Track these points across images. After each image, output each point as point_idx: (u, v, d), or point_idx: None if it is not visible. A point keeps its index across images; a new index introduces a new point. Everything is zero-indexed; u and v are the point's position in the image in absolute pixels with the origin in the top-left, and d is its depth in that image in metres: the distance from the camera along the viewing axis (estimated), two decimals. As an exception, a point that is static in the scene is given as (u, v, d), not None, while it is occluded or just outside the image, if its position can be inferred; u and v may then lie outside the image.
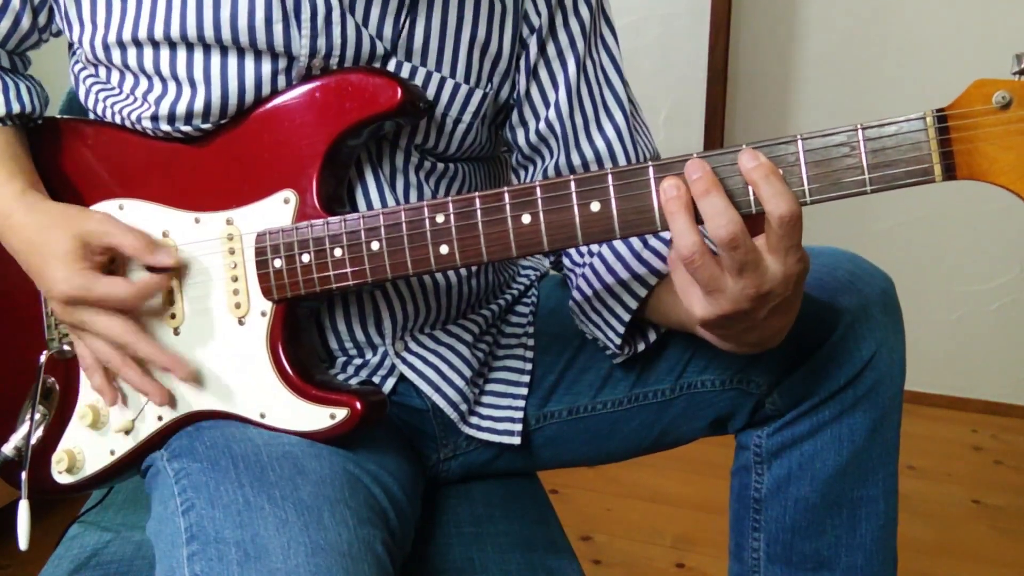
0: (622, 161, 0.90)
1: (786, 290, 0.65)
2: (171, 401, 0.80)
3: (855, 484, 0.87)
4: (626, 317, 0.83)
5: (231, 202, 0.79)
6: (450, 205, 0.71)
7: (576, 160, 0.90)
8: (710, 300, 0.66)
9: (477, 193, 0.71)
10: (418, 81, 0.83)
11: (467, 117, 0.86)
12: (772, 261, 0.64)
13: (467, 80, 0.85)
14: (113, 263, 0.80)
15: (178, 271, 0.80)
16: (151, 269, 0.79)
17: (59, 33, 0.88)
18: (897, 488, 0.89)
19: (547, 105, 0.88)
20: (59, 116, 0.89)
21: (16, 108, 0.85)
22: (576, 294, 0.90)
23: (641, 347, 0.88)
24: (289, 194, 0.78)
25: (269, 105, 0.79)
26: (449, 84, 0.84)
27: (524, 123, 0.90)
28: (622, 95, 0.90)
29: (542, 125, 0.89)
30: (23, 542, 0.79)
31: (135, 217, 0.82)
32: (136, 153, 0.83)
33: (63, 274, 0.76)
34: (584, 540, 1.86)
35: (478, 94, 0.85)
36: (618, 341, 0.85)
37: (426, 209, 0.72)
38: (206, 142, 0.81)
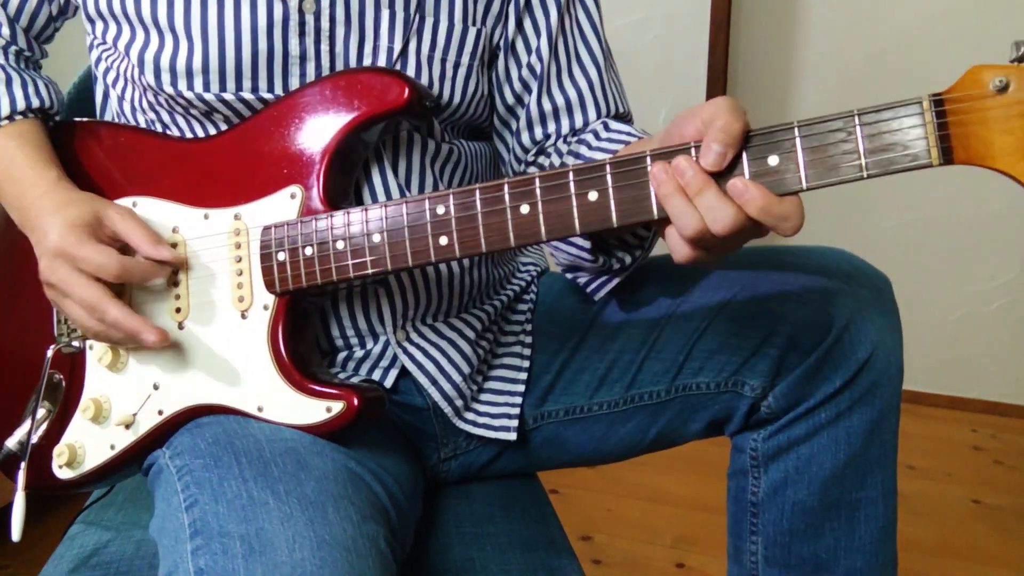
0: (591, 111, 0.92)
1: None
2: (166, 339, 0.79)
3: (853, 486, 0.86)
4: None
5: (240, 198, 0.81)
6: (451, 197, 0.72)
7: (547, 106, 0.92)
8: (713, 254, 0.67)
9: (478, 185, 0.71)
10: (413, 28, 0.84)
11: (465, 59, 0.87)
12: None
13: (463, 21, 0.87)
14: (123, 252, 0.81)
15: (186, 265, 0.81)
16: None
17: (67, 8, 0.91)
18: (896, 489, 0.88)
19: (529, 51, 0.91)
20: (76, 119, 0.90)
21: (36, 103, 0.87)
22: None
23: (617, 266, 0.86)
24: (295, 190, 0.79)
25: (279, 103, 0.81)
26: (443, 26, 0.86)
27: (508, 73, 0.92)
28: (596, 50, 0.93)
29: (525, 71, 0.91)
30: (16, 534, 0.79)
31: (148, 214, 0.83)
32: (149, 152, 0.85)
33: (60, 230, 0.77)
34: (584, 540, 1.86)
35: (472, 32, 0.87)
36: (587, 245, 0.82)
37: (427, 201, 0.73)
38: (216, 140, 0.83)
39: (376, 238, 0.75)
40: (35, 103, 0.86)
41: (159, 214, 0.83)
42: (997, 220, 2.27)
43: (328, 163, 0.78)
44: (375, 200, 0.84)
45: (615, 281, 0.88)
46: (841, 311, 0.83)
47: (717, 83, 2.30)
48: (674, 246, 0.68)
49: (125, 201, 0.84)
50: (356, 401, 0.76)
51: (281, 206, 0.79)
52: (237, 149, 0.82)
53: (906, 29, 2.25)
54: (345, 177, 0.81)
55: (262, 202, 0.80)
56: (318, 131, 0.79)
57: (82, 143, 0.88)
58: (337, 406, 0.76)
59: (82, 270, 0.77)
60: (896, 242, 2.36)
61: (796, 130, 0.64)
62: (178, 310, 0.81)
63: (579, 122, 0.92)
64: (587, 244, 0.81)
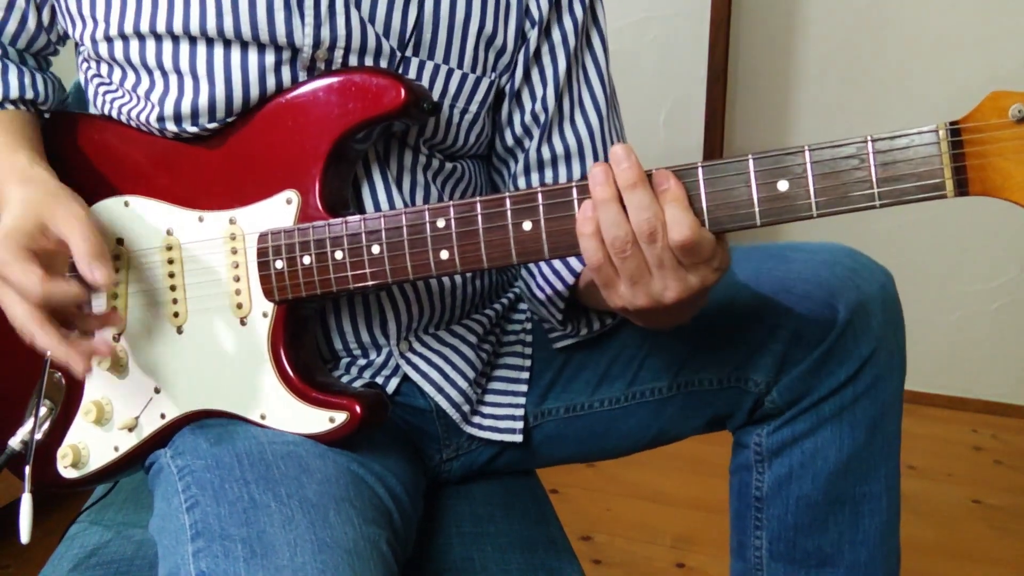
0: (589, 161, 0.91)
1: (693, 297, 0.67)
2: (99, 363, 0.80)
3: (857, 481, 0.87)
4: (566, 293, 0.84)
5: (235, 201, 0.79)
6: (451, 210, 0.71)
7: (546, 154, 0.91)
8: (633, 291, 0.67)
9: (479, 198, 0.70)
10: (425, 73, 0.83)
11: (474, 107, 0.86)
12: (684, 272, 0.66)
13: (473, 70, 0.86)
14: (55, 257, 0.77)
15: (181, 271, 0.80)
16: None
17: (67, 35, 0.88)
18: (899, 483, 0.89)
19: (534, 100, 0.89)
20: (75, 112, 0.89)
21: (30, 94, 0.85)
22: (523, 271, 0.91)
23: (584, 332, 0.88)
24: (292, 194, 0.78)
25: (274, 104, 0.79)
26: (456, 75, 0.85)
27: (511, 118, 0.90)
28: (599, 96, 0.91)
29: (528, 119, 0.90)
30: (24, 535, 0.79)
31: (141, 213, 0.82)
32: (143, 150, 0.83)
33: None
34: (584, 540, 1.86)
35: (485, 83, 0.86)
36: (560, 316, 0.86)
37: (427, 213, 0.72)
38: (212, 141, 0.81)
39: (375, 249, 0.73)
40: (28, 95, 0.85)
41: (152, 214, 0.81)
42: (997, 220, 2.26)
43: (324, 167, 0.77)
44: (376, 209, 0.83)
45: (573, 340, 0.91)
46: (844, 306, 0.83)
47: (717, 83, 2.30)
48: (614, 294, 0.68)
49: (117, 200, 0.83)
50: (359, 410, 0.76)
51: (277, 211, 0.78)
52: (231, 150, 0.80)
53: (907, 28, 2.25)
54: (342, 181, 0.80)
55: (258, 206, 0.78)
56: (314, 134, 0.77)
57: (79, 136, 0.86)
58: (340, 416, 0.76)
59: (10, 287, 0.72)
60: (896, 242, 2.36)
61: (807, 154, 0.62)
62: (176, 315, 0.80)
63: (576, 172, 0.91)
64: (559, 316, 0.85)
